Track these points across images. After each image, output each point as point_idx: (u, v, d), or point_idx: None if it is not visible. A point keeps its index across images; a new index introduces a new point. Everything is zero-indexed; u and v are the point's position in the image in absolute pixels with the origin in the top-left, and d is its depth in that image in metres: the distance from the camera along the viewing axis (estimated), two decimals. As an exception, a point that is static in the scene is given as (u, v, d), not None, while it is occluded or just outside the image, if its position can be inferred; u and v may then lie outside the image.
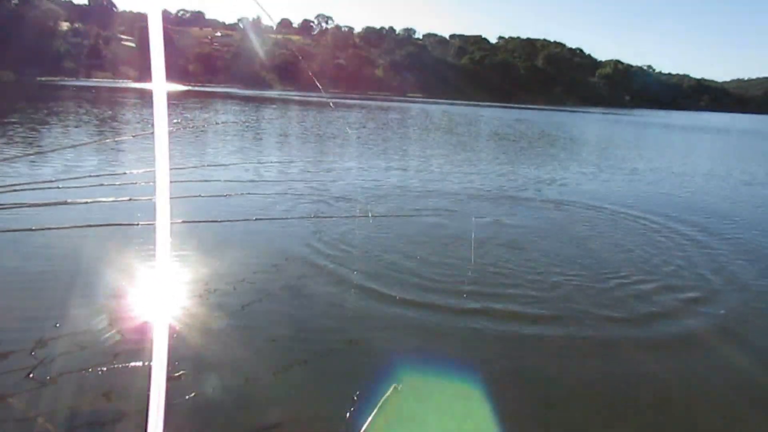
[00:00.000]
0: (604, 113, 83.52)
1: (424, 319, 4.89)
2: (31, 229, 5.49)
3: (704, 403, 3.95)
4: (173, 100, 41.10)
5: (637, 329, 5.01)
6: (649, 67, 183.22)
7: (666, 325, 5.15)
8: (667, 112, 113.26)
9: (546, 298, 5.56)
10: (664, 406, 3.87)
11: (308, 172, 12.87)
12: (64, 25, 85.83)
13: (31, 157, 11.77)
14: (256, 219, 7.39)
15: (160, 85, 1.18)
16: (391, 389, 1.60)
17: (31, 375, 3.68)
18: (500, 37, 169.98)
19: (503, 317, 5.06)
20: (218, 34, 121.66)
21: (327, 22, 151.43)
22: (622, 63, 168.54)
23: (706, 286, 6.19)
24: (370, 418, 1.58)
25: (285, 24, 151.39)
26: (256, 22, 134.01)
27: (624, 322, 5.13)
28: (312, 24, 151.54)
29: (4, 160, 10.51)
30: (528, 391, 3.94)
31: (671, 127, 54.44)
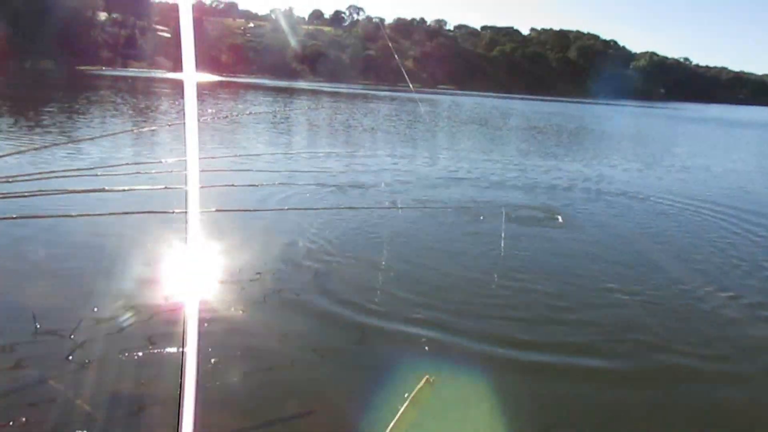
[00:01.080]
0: (637, 106, 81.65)
1: (454, 313, 4.87)
2: (70, 215, 5.64)
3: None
4: (205, 90, 41.61)
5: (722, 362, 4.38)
6: (686, 59, 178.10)
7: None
8: (704, 105, 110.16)
9: (576, 295, 5.48)
10: None
11: (339, 162, 12.91)
12: (102, 16, 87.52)
13: (70, 145, 12.07)
14: (288, 209, 7.46)
15: (191, 76, 1.19)
16: (423, 381, 1.58)
17: (70, 358, 3.79)
18: (532, 29, 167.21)
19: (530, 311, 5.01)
20: (251, 25, 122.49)
21: (358, 13, 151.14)
22: (657, 55, 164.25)
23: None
24: (401, 410, 1.57)
25: (316, 15, 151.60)
26: (288, 12, 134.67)
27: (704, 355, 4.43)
28: (343, 15, 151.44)
29: (45, 147, 10.81)
30: (560, 396, 3.89)
31: (711, 120, 52.92)
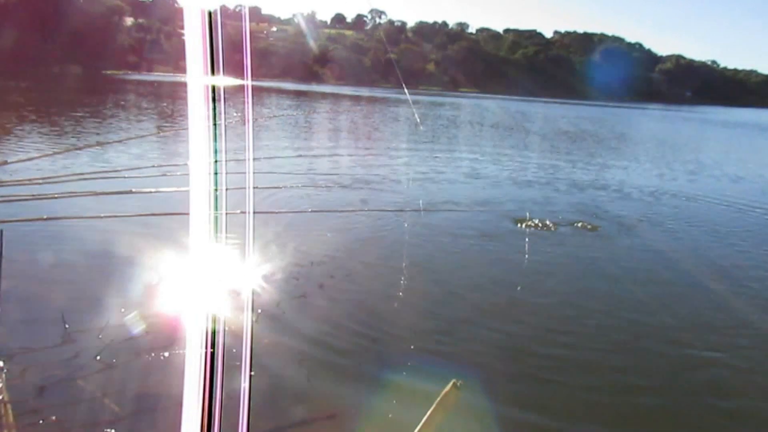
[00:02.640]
0: (663, 110, 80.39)
1: (479, 318, 4.85)
2: (99, 216, 5.74)
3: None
4: (228, 93, 41.95)
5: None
6: (713, 62, 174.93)
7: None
8: (732, 109, 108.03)
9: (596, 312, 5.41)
10: None
11: (362, 165, 12.93)
12: (128, 21, 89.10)
13: (98, 147, 12.29)
14: (311, 211, 7.50)
15: (221, 80, 1.20)
16: (450, 385, 1.58)
17: (98, 357, 3.84)
18: (556, 32, 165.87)
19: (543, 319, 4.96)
20: (274, 29, 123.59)
21: (380, 17, 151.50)
22: (684, 58, 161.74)
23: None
24: (428, 413, 1.56)
25: (338, 19, 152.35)
26: (311, 17, 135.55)
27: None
28: (365, 19, 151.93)
29: (75, 149, 11.02)
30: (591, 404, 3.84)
31: (740, 125, 51.88)
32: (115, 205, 6.31)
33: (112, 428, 3.15)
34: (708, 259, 7.01)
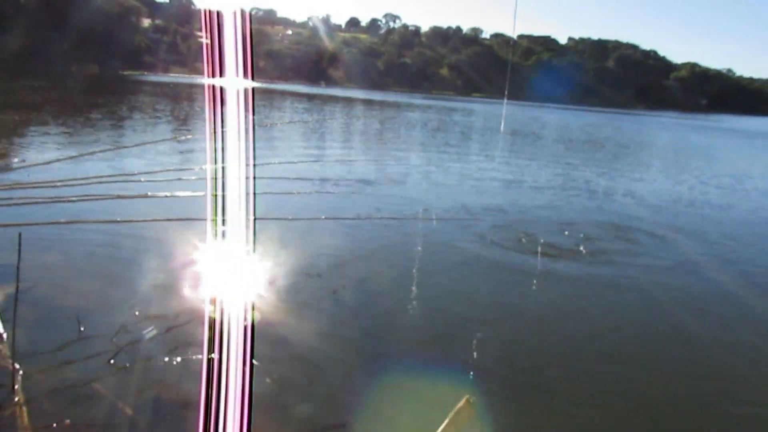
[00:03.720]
0: (677, 118, 79.77)
1: (491, 332, 4.84)
2: (116, 221, 5.81)
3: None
4: (244, 96, 42.17)
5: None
6: (729, 70, 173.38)
7: None
8: (748, 118, 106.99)
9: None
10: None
11: (376, 172, 12.95)
12: (145, 22, 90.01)
13: (115, 151, 12.41)
14: (325, 218, 7.52)
15: (237, 84, 1.21)
16: (464, 401, 1.59)
17: (111, 361, 3.88)
18: (570, 38, 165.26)
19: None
20: (289, 32, 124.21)
21: (394, 21, 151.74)
22: (699, 66, 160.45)
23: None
24: (441, 428, 1.58)
25: (353, 22, 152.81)
26: (326, 20, 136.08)
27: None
28: (379, 23, 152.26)
29: (92, 153, 11.15)
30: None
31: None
32: (131, 209, 6.37)
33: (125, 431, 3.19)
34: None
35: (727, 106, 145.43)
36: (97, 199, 5.18)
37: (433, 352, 4.43)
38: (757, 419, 3.89)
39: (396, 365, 4.21)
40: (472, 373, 4.09)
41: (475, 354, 4.39)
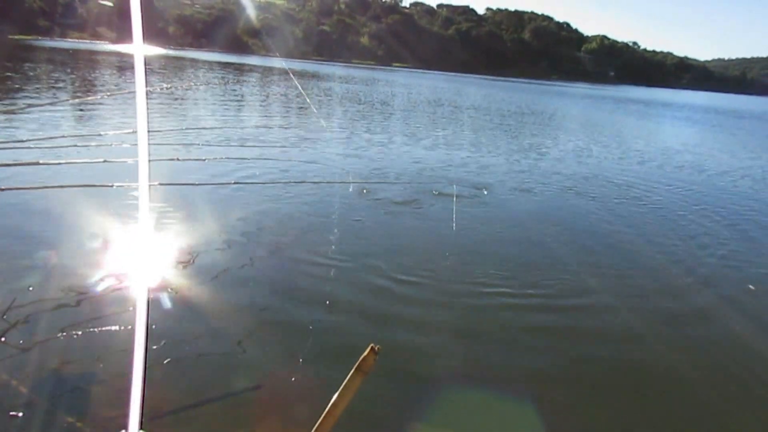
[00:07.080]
0: (589, 88, 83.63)
1: (404, 282, 4.88)
2: (0, 189, 5.32)
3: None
4: (150, 64, 40.10)
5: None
6: (635, 43, 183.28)
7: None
8: (651, 89, 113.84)
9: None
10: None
11: (287, 138, 12.68)
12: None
13: (3, 116, 11.40)
14: (234, 183, 7.28)
15: (140, 48, 1.10)
16: (368, 349, 1.57)
17: (2, 339, 3.59)
18: (488, 9, 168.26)
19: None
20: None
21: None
22: (608, 38, 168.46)
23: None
24: (347, 378, 1.56)
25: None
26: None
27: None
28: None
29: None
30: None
31: (670, 105, 54.70)
32: (18, 177, 5.86)
33: (22, 412, 2.96)
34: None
35: (632, 78, 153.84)
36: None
37: (345, 307, 4.43)
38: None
39: (308, 321, 4.15)
40: (381, 323, 4.14)
41: (385, 305, 4.43)
